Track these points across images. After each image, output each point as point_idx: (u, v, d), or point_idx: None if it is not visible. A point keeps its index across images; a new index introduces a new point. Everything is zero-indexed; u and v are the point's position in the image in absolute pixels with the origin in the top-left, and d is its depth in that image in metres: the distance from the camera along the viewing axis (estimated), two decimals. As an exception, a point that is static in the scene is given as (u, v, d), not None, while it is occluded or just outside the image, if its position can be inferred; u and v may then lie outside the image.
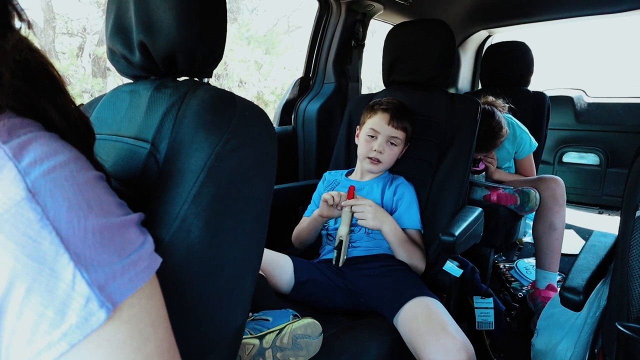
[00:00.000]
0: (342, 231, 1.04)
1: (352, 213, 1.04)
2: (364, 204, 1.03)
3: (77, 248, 0.28)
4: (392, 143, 1.12)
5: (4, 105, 0.30)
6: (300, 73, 1.75)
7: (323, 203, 1.06)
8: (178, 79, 0.58)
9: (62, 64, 3.81)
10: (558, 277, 1.54)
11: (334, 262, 1.05)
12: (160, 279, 0.34)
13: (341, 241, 1.04)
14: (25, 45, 0.32)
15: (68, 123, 0.35)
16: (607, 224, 2.39)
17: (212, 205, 0.45)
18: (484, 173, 1.65)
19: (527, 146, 1.64)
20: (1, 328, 0.27)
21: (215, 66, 0.59)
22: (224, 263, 0.47)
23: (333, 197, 1.06)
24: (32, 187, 0.27)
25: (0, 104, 0.30)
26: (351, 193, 1.07)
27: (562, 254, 1.53)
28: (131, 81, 0.62)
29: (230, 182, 0.46)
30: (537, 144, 1.67)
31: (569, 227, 2.21)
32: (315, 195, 1.26)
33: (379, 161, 1.11)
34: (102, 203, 0.31)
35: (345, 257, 1.05)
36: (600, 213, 2.57)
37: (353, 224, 1.08)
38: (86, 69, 4.16)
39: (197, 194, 0.44)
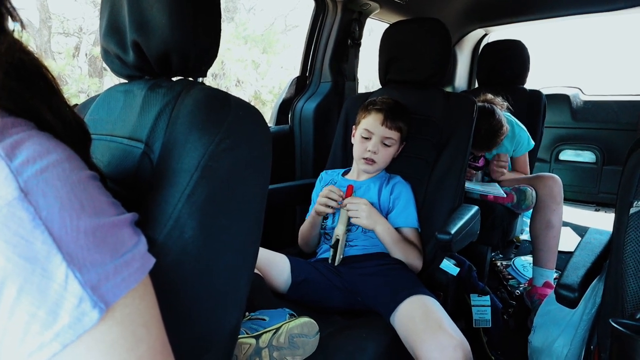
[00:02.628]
0: (339, 230, 1.05)
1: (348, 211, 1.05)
2: (359, 202, 1.04)
3: (70, 248, 0.28)
4: (386, 144, 1.12)
5: None
6: (297, 72, 1.74)
7: (323, 205, 1.06)
8: (172, 78, 0.58)
9: (58, 64, 3.80)
10: (555, 275, 1.55)
11: (330, 261, 1.05)
12: (154, 279, 0.34)
13: (337, 240, 1.04)
14: (19, 48, 0.32)
15: (63, 124, 0.35)
16: (604, 221, 2.40)
17: (206, 205, 0.45)
18: (481, 172, 1.65)
19: (524, 145, 1.65)
20: None
21: (210, 66, 0.59)
22: (218, 263, 0.47)
23: (333, 198, 1.06)
24: (24, 186, 0.27)
25: None
26: (349, 191, 1.08)
27: (559, 252, 1.54)
28: (125, 81, 0.62)
29: (225, 181, 0.46)
30: (534, 144, 1.67)
31: (565, 224, 2.21)
32: (314, 195, 1.26)
33: (373, 161, 1.11)
34: (95, 203, 0.31)
35: (341, 256, 1.05)
36: (596, 210, 2.59)
37: (350, 223, 1.08)
38: (82, 69, 4.14)
39: (191, 193, 0.44)
